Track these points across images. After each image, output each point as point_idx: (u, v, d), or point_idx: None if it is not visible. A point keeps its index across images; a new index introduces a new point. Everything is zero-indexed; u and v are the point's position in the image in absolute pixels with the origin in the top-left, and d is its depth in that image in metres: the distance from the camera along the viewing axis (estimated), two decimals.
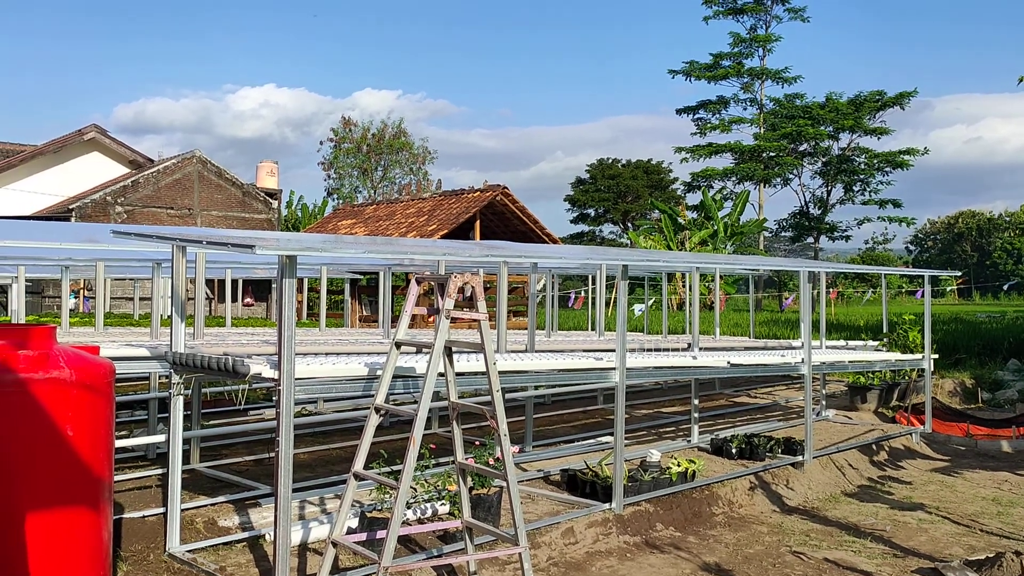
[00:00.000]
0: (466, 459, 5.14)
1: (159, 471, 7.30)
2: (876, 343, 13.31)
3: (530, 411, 9.07)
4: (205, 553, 5.49)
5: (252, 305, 27.23)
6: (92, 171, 29.44)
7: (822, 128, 45.23)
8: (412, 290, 4.90)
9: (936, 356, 12.15)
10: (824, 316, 11.78)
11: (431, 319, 15.40)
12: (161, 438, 6.92)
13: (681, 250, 34.60)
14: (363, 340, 10.06)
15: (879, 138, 46.10)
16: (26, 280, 9.89)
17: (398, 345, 4.89)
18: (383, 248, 6.62)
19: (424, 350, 5.74)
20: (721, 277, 17.73)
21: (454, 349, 4.93)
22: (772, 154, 45.86)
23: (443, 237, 22.66)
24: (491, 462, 6.21)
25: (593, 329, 15.52)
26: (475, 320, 4.72)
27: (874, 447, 10.00)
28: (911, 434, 10.90)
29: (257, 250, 4.48)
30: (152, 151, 39.03)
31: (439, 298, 4.74)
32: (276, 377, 4.67)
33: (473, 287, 4.66)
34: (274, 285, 23.51)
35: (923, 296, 11.84)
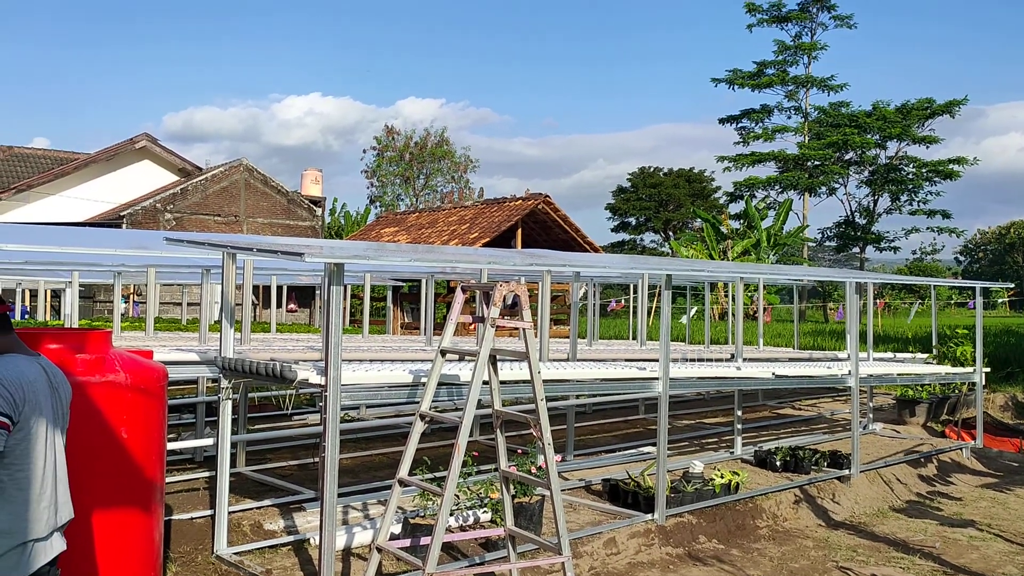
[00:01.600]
0: (509, 467, 5.15)
1: (206, 474, 7.43)
2: (925, 356, 13.04)
3: (571, 420, 9.06)
4: (251, 556, 5.57)
5: (296, 311, 27.57)
6: (143, 179, 30.10)
7: (869, 137, 44.52)
8: (457, 298, 4.92)
9: (987, 370, 11.87)
10: (871, 328, 11.58)
11: (472, 327, 15.47)
12: (209, 441, 7.04)
13: (723, 259, 34.27)
14: (406, 347, 10.14)
15: (928, 147, 45.27)
16: (79, 285, 10.15)
17: (443, 353, 4.92)
18: (428, 256, 6.67)
19: (467, 358, 5.78)
20: (764, 287, 17.52)
21: (498, 357, 4.94)
22: (817, 163, 45.26)
23: (484, 245, 22.74)
24: (533, 470, 6.21)
25: (634, 338, 15.43)
26: (520, 328, 4.73)
27: (923, 462, 9.79)
28: (961, 449, 10.66)
29: (306, 258, 4.55)
30: (200, 159, 39.79)
31: (483, 306, 4.77)
32: (323, 383, 4.74)
33: (518, 296, 4.68)
34: (318, 292, 23.79)
35: (974, 308, 11.58)
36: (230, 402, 5.63)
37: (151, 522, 4.25)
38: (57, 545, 2.92)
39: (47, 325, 14.10)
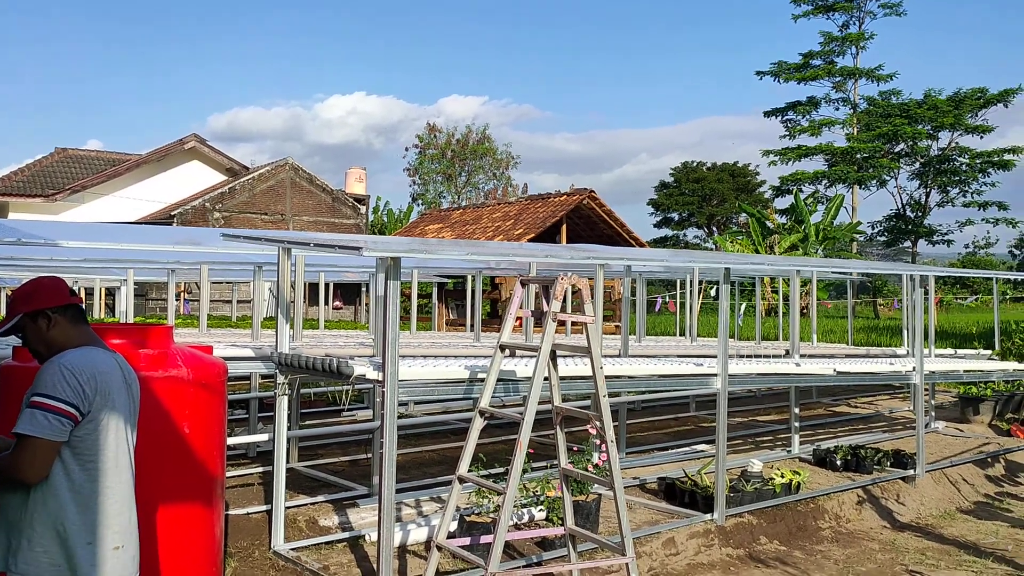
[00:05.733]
0: (567, 465, 5.04)
1: (260, 469, 7.45)
2: (989, 352, 12.63)
3: (623, 417, 8.92)
4: (308, 551, 5.55)
5: (341, 308, 27.78)
6: (192, 178, 30.60)
7: (920, 127, 43.43)
8: (517, 293, 4.83)
9: None
10: (933, 323, 11.23)
11: (519, 322, 15.34)
12: (264, 437, 7.06)
13: (770, 254, 33.71)
14: (454, 343, 10.07)
15: (982, 136, 44.02)
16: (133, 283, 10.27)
17: (503, 348, 4.83)
18: (484, 250, 6.59)
19: (520, 352, 5.68)
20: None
21: (559, 352, 4.84)
22: (866, 155, 44.29)
23: (529, 241, 22.63)
24: (590, 468, 6.10)
25: (683, 335, 15.21)
26: (581, 323, 4.62)
27: (990, 461, 9.47)
28: None
29: (364, 252, 4.50)
30: (244, 158, 40.33)
31: (544, 301, 4.66)
32: (379, 378, 4.67)
33: (580, 289, 4.57)
34: (363, 289, 23.91)
35: None
36: (286, 398, 5.62)
37: (213, 517, 4.23)
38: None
39: (103, 323, 14.34)
